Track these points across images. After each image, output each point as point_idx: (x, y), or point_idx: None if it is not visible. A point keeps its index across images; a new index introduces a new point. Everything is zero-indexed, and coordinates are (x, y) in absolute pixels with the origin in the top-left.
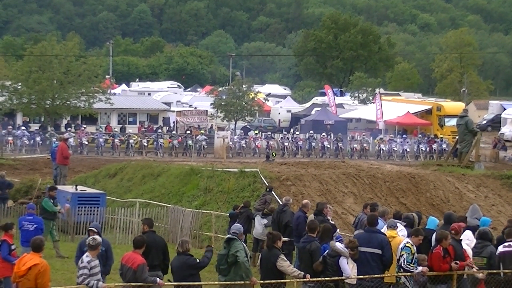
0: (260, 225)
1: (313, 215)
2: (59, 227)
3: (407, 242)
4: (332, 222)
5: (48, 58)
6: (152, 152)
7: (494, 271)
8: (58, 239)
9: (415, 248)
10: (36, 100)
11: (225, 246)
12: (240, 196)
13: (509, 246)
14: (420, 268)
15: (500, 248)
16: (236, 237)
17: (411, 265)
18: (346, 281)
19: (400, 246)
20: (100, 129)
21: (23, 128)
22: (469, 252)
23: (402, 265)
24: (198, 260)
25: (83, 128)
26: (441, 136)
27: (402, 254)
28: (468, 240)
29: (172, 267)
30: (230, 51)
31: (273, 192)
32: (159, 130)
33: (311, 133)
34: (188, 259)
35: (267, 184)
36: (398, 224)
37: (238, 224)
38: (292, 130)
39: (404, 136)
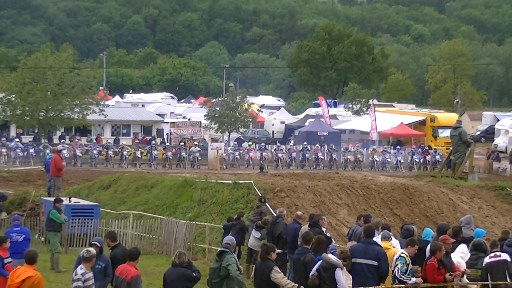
0: (253, 237)
1: (308, 226)
2: None
3: (402, 253)
4: (328, 234)
5: (42, 69)
6: (146, 163)
7: (487, 282)
8: (60, 252)
9: (409, 258)
10: (30, 111)
11: (217, 259)
12: (234, 208)
13: (495, 256)
14: (414, 279)
15: (487, 259)
16: (228, 250)
17: (405, 275)
18: None
19: (395, 257)
20: (90, 141)
21: (16, 140)
22: (462, 265)
23: (396, 274)
24: (194, 274)
25: (77, 140)
26: (435, 147)
27: (397, 264)
28: (462, 253)
29: (165, 279)
30: (224, 62)
31: (266, 204)
32: (153, 142)
33: (305, 144)
34: (186, 271)
35: (260, 195)
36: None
37: (230, 236)
38: (292, 142)
39: (398, 147)
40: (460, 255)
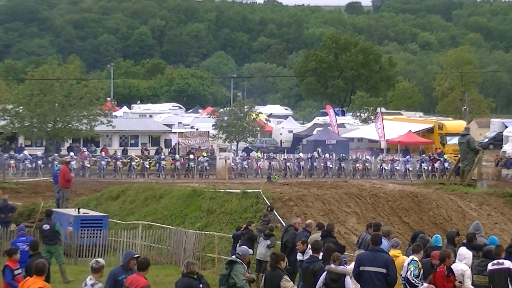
0: (262, 246)
1: (321, 236)
2: (62, 250)
3: (413, 258)
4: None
5: (50, 81)
6: (154, 174)
7: None
8: (64, 262)
9: (420, 264)
10: (37, 123)
11: (226, 267)
12: (243, 217)
13: (497, 264)
14: (425, 285)
15: (489, 266)
16: (238, 260)
17: (417, 279)
18: None
19: (407, 261)
20: (94, 151)
21: (25, 152)
22: (468, 274)
23: (409, 277)
24: (201, 286)
25: (86, 151)
26: (445, 155)
27: (410, 268)
28: (465, 258)
29: None
30: (231, 72)
31: (274, 212)
32: (162, 154)
33: (319, 151)
34: (192, 282)
35: (268, 205)
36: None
37: (245, 247)
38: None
39: (408, 157)
40: (464, 261)
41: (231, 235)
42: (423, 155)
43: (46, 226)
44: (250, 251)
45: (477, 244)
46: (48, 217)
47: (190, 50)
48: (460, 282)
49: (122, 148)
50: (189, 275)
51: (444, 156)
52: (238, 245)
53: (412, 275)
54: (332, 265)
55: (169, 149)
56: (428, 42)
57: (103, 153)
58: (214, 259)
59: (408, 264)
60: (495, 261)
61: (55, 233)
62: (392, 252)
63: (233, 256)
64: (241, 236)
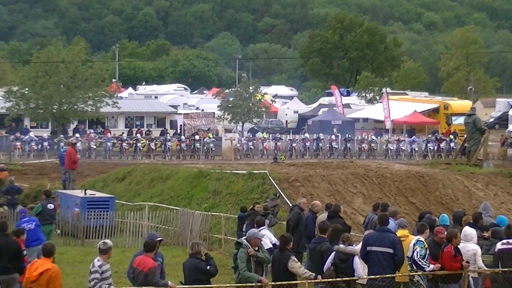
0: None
1: (328, 217)
2: (69, 231)
3: (419, 238)
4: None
5: (55, 63)
6: (160, 155)
7: (496, 269)
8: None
9: (426, 244)
10: (43, 105)
11: (236, 247)
12: (249, 198)
13: (507, 243)
14: (432, 266)
15: (499, 245)
16: (243, 242)
17: (423, 260)
18: (357, 281)
19: (413, 242)
20: (101, 133)
21: (31, 134)
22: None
23: (416, 258)
24: (208, 267)
25: (92, 133)
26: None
27: (416, 249)
28: (472, 238)
29: (184, 269)
30: (236, 53)
31: (283, 195)
32: (167, 135)
33: (329, 133)
34: (199, 263)
35: (276, 186)
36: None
37: (254, 229)
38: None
39: (414, 138)
40: (472, 242)
41: (237, 216)
42: (436, 134)
43: (51, 206)
44: (261, 234)
45: (483, 224)
46: (48, 197)
47: (195, 31)
48: (467, 262)
49: (128, 129)
50: (195, 255)
51: (450, 136)
52: (244, 226)
53: (418, 256)
54: (341, 245)
55: (174, 131)
56: (433, 22)
57: (108, 134)
58: (221, 240)
59: (414, 244)
60: (504, 241)
61: (52, 213)
62: (401, 232)
63: (242, 239)
64: (247, 217)
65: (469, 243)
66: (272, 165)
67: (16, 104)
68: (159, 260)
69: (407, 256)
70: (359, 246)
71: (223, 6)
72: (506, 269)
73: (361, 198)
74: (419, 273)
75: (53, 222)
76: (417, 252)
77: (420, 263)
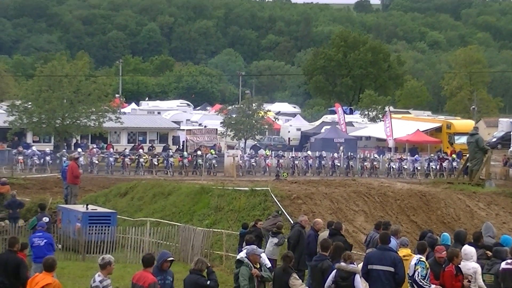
0: (270, 244)
1: (329, 235)
2: (71, 246)
3: (420, 257)
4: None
5: (58, 77)
6: (162, 171)
7: None
8: None
9: (428, 264)
10: (46, 119)
11: (236, 266)
12: (251, 215)
13: (511, 263)
14: (433, 286)
15: (503, 265)
16: (244, 260)
17: (424, 280)
18: None
19: (414, 261)
20: (102, 148)
21: (33, 148)
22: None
23: (416, 279)
24: (208, 282)
25: (94, 148)
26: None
27: (417, 269)
28: (472, 256)
29: (184, 285)
30: (239, 69)
31: (285, 213)
32: (170, 151)
33: (332, 151)
34: (199, 279)
35: (278, 203)
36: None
37: (254, 246)
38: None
39: (417, 156)
40: (472, 260)
41: (239, 233)
42: (438, 153)
43: (46, 219)
44: (259, 250)
45: (484, 244)
46: (43, 210)
47: (198, 47)
48: (469, 281)
49: (131, 145)
50: (196, 271)
51: (453, 156)
52: (244, 243)
53: (419, 277)
54: (343, 263)
55: (177, 146)
56: (436, 41)
57: (111, 149)
58: (222, 257)
59: (416, 264)
60: (509, 261)
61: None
62: (405, 251)
63: (242, 255)
64: (248, 234)
65: (469, 262)
66: (274, 182)
67: (19, 118)
68: (169, 279)
69: (408, 274)
70: (361, 264)
71: (227, 23)
72: None
73: (362, 216)
74: None
75: None
76: (419, 272)
77: (421, 283)
